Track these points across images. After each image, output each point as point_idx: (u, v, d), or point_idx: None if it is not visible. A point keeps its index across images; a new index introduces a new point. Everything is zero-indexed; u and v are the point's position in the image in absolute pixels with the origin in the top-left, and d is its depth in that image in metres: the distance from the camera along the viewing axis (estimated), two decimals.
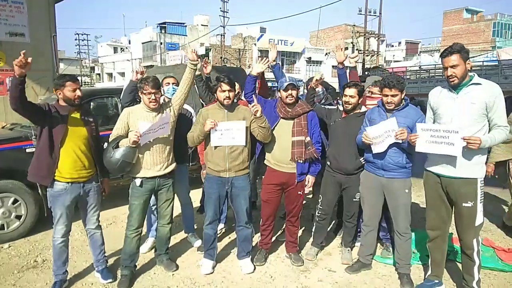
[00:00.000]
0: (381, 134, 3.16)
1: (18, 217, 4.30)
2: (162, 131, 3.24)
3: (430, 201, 3.16)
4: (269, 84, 5.35)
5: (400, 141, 3.09)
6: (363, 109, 3.73)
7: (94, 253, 3.40)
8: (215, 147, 3.33)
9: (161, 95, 3.50)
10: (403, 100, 3.25)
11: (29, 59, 2.62)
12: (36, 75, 6.91)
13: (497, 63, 20.39)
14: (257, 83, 3.73)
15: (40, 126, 2.99)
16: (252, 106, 3.30)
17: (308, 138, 3.48)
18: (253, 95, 3.51)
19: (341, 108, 3.78)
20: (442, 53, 2.88)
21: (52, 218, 3.13)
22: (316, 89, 4.13)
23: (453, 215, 3.08)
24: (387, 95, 3.18)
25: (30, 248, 4.08)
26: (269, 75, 4.15)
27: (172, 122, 3.35)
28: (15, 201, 4.26)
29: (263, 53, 38.55)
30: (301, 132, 3.47)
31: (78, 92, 3.04)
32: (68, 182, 3.05)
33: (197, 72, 3.88)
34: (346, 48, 31.24)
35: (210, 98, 4.13)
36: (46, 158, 2.97)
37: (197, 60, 3.40)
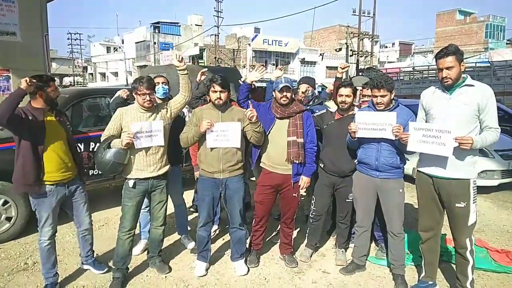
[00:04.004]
0: (373, 122, 3.14)
1: (8, 218, 4.24)
2: (156, 140, 3.21)
3: (422, 202, 3.16)
4: (264, 84, 5.32)
5: (393, 137, 3.08)
6: None
7: (84, 250, 3.44)
8: (210, 148, 3.30)
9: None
10: (393, 101, 3.25)
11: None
12: (27, 75, 6.80)
13: (489, 65, 20.57)
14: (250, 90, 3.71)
15: (18, 135, 2.91)
16: (247, 112, 3.27)
17: (300, 140, 3.46)
18: (249, 101, 3.49)
19: (332, 110, 3.76)
20: (437, 54, 2.86)
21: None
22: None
23: (445, 215, 3.08)
24: (376, 96, 3.18)
25: (20, 250, 4.01)
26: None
27: (167, 124, 3.33)
28: (5, 202, 4.20)
29: (257, 53, 38.61)
30: (296, 132, 3.46)
31: (58, 91, 3.12)
32: (53, 185, 3.04)
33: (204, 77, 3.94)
34: (340, 49, 31.41)
35: (196, 103, 4.08)
36: (31, 165, 2.92)
37: (183, 64, 3.34)
